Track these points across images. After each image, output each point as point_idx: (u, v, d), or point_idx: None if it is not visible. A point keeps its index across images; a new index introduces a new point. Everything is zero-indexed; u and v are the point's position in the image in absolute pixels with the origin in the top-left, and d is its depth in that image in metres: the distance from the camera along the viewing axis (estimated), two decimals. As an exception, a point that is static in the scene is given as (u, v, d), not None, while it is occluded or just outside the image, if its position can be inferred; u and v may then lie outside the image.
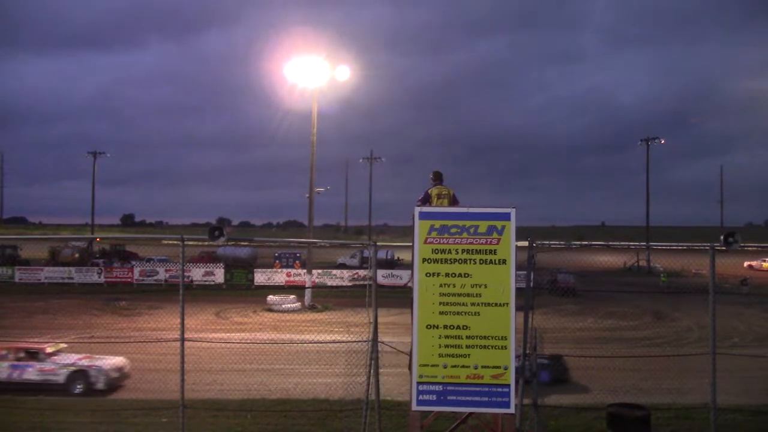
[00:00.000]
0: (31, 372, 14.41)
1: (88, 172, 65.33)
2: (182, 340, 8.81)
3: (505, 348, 6.64)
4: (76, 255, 46.69)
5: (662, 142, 62.01)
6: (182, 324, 8.85)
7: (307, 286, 34.11)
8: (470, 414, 7.09)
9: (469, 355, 6.65)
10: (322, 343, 16.72)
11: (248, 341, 17.03)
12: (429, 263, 6.75)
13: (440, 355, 6.67)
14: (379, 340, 8.35)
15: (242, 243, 56.53)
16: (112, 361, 15.01)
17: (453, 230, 6.74)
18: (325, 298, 33.45)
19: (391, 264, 47.79)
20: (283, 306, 30.37)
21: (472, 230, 6.73)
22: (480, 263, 6.70)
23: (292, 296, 31.74)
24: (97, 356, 15.23)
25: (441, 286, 6.72)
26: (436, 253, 6.75)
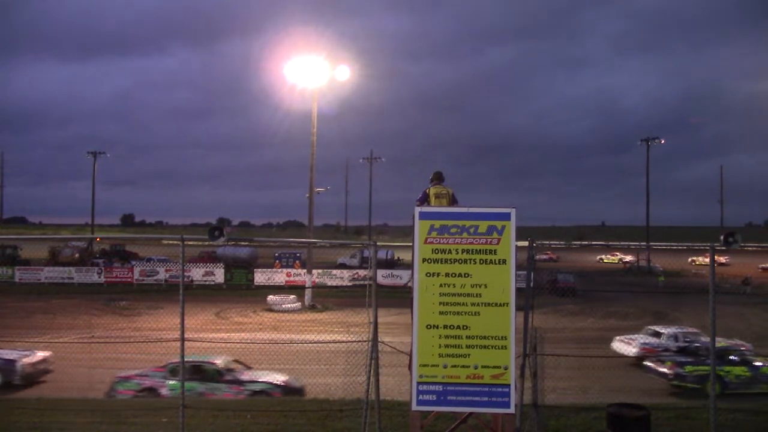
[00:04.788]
0: None
1: (89, 173, 65.46)
2: (182, 340, 8.80)
3: (505, 348, 6.64)
4: (76, 255, 46.72)
5: (662, 142, 62.20)
6: (182, 324, 8.84)
7: (307, 286, 34.12)
8: (470, 414, 7.09)
9: (469, 355, 6.64)
10: (322, 343, 16.70)
11: (248, 341, 17.01)
12: (429, 263, 6.75)
13: (440, 355, 6.67)
14: (379, 340, 8.34)
15: (242, 243, 56.51)
16: None
17: (453, 230, 6.74)
18: (325, 298, 33.45)
19: (391, 264, 47.78)
20: (283, 306, 30.38)
21: (472, 230, 6.73)
22: (480, 263, 6.70)
23: (292, 296, 31.75)
24: None
25: (441, 286, 6.72)
26: (436, 253, 6.74)
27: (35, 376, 15.23)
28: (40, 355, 15.65)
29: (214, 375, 13.53)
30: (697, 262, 62.62)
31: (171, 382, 13.39)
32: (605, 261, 72.06)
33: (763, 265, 57.40)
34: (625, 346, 18.48)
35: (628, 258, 70.46)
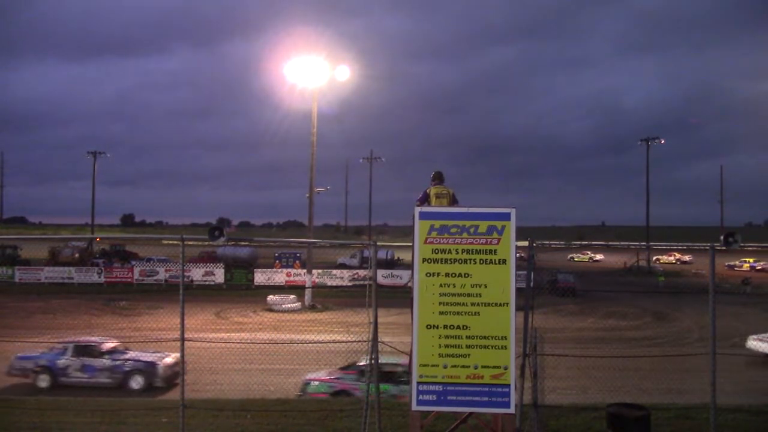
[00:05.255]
0: None
1: (89, 173, 65.46)
2: (182, 340, 8.80)
3: (505, 348, 6.64)
4: (76, 255, 46.70)
5: (662, 142, 62.18)
6: (182, 324, 8.84)
7: (307, 286, 34.11)
8: (470, 414, 7.09)
9: (469, 355, 6.64)
10: (322, 343, 16.71)
11: (248, 341, 17.01)
12: (429, 263, 6.75)
13: (440, 355, 6.67)
14: (379, 340, 8.34)
15: (242, 243, 56.51)
16: None
17: (453, 230, 6.74)
18: (325, 298, 33.45)
19: (391, 264, 47.77)
20: (283, 306, 30.37)
21: (472, 230, 6.73)
22: (480, 263, 6.70)
23: (292, 296, 31.75)
24: None
25: (441, 286, 6.71)
26: (436, 253, 6.74)
27: (172, 378, 15.17)
28: (175, 356, 15.49)
29: (403, 376, 13.31)
30: (662, 261, 65.56)
31: (363, 384, 13.35)
32: (576, 260, 73.19)
33: (729, 263, 59.94)
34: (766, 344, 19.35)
35: (599, 257, 73.38)
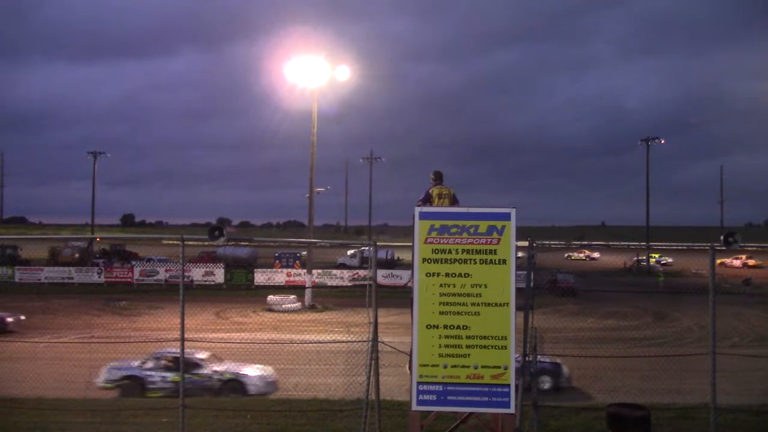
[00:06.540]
0: None
1: (89, 173, 65.45)
2: (182, 340, 8.81)
3: (505, 348, 6.64)
4: (76, 255, 46.69)
5: (662, 142, 62.18)
6: (182, 324, 8.84)
7: (307, 286, 34.15)
8: (470, 414, 7.09)
9: (469, 355, 6.64)
10: (322, 343, 16.71)
11: (248, 341, 17.00)
12: (429, 263, 6.75)
13: (440, 355, 6.67)
14: (379, 340, 8.34)
15: (242, 243, 56.53)
16: None
17: (453, 230, 6.74)
18: (325, 298, 33.46)
19: (391, 264, 47.78)
20: (283, 306, 30.38)
21: (472, 230, 6.73)
22: (480, 263, 6.70)
23: (292, 296, 31.77)
24: None
25: (441, 286, 6.72)
26: (436, 253, 6.74)
27: (572, 379, 15.31)
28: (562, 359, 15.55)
29: None
30: (573, 257, 68.13)
31: None
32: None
33: (635, 258, 60.09)
34: None
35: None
